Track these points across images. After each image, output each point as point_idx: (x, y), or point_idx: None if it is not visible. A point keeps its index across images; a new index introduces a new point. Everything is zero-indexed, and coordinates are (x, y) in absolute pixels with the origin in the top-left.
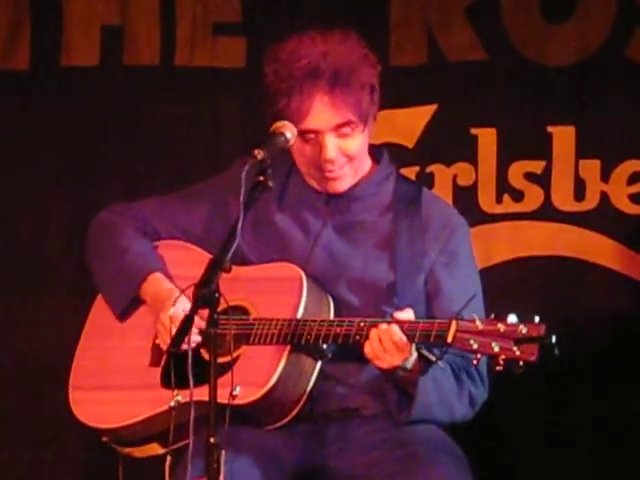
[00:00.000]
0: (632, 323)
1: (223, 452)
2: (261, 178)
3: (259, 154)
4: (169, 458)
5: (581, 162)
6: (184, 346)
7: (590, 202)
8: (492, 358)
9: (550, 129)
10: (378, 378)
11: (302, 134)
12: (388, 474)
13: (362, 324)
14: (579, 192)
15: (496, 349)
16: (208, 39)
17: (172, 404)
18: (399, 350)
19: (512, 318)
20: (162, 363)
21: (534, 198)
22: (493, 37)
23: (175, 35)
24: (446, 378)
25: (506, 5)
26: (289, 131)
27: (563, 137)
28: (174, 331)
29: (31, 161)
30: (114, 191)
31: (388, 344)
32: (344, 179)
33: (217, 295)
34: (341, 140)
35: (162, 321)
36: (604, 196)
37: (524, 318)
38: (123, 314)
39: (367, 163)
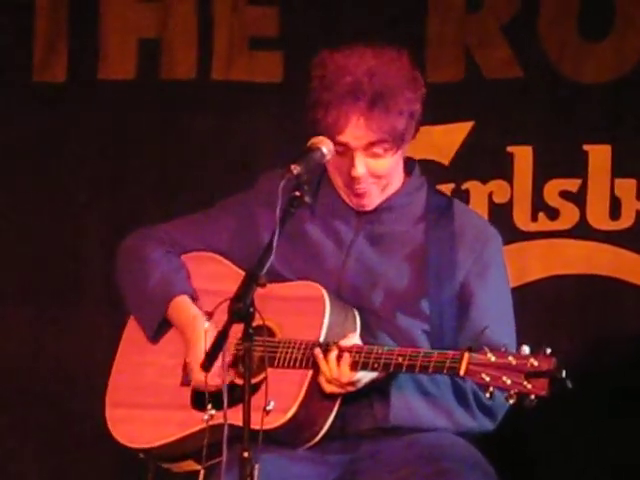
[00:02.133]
0: None
1: (257, 466)
2: (297, 193)
3: (295, 169)
4: (202, 472)
5: (617, 181)
6: (217, 364)
7: (626, 221)
8: (504, 391)
9: (586, 147)
10: (410, 395)
11: (335, 145)
12: None
13: (382, 353)
14: (614, 211)
15: (508, 382)
16: (245, 53)
17: (205, 417)
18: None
19: (525, 350)
20: (192, 384)
21: (569, 216)
22: (530, 54)
23: (212, 49)
24: (435, 386)
25: (543, 23)
26: (325, 146)
27: (599, 155)
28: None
29: (67, 174)
30: (149, 205)
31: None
32: (369, 197)
33: (252, 310)
34: (371, 159)
35: (189, 362)
36: (639, 215)
37: (536, 350)
38: (154, 336)
39: (399, 178)
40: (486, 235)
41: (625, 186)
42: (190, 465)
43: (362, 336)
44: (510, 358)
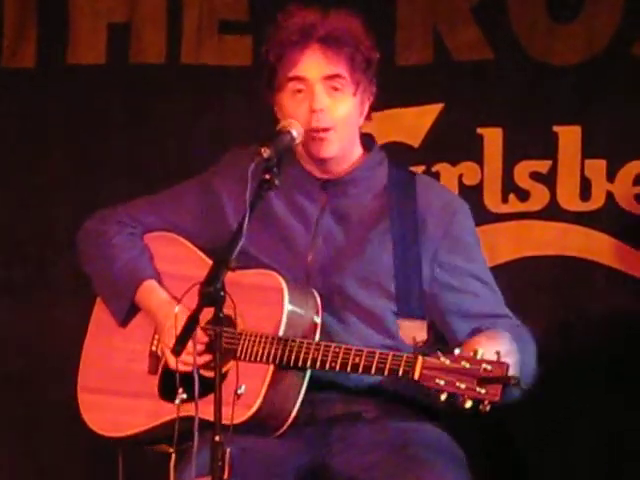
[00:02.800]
0: (636, 322)
1: (228, 450)
2: (267, 176)
3: (265, 152)
4: (173, 456)
5: (587, 162)
6: (189, 347)
7: (596, 202)
8: (458, 396)
9: (556, 129)
10: (379, 381)
11: (291, 81)
12: (388, 475)
13: (345, 350)
14: (585, 192)
15: (462, 387)
16: (214, 37)
17: (177, 402)
18: None
19: (479, 354)
20: (159, 372)
21: (540, 198)
22: (499, 36)
23: (181, 33)
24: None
25: (512, 4)
26: (295, 129)
27: (569, 137)
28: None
29: (36, 159)
30: (119, 189)
31: None
32: (330, 143)
33: (222, 294)
34: (331, 99)
35: (167, 343)
36: (610, 196)
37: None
38: (123, 321)
39: (357, 145)
40: (453, 206)
41: (595, 167)
42: (162, 447)
43: (327, 320)
44: (464, 362)
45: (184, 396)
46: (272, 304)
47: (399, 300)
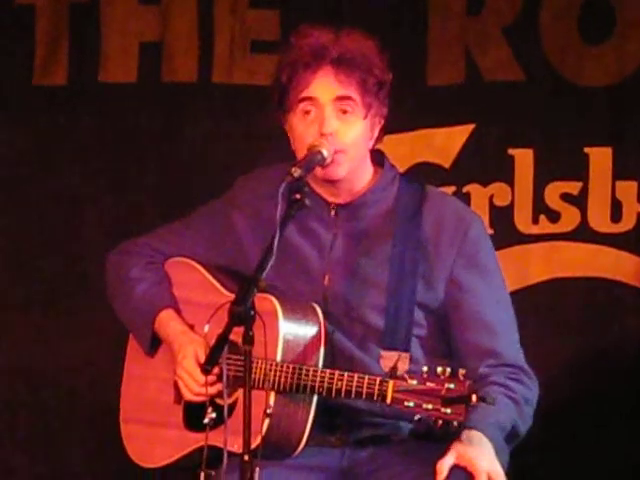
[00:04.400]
0: None
1: (257, 470)
2: (298, 196)
3: (296, 172)
4: (202, 475)
5: (618, 183)
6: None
7: (627, 223)
8: (428, 418)
9: (587, 150)
10: None
11: (301, 102)
12: None
13: (329, 375)
14: (615, 213)
15: (429, 408)
16: (246, 56)
17: (206, 420)
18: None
19: (439, 371)
20: (182, 401)
21: (570, 219)
22: (531, 57)
23: (213, 52)
24: (504, 410)
25: (544, 25)
26: (325, 149)
27: (600, 158)
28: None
29: (68, 177)
30: (149, 208)
31: None
32: (340, 165)
33: (252, 313)
34: (341, 122)
35: (180, 375)
36: None
37: (452, 371)
38: (150, 351)
39: (368, 166)
40: (467, 223)
41: (626, 188)
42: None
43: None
44: (428, 383)
45: (213, 415)
46: (269, 328)
47: (386, 330)
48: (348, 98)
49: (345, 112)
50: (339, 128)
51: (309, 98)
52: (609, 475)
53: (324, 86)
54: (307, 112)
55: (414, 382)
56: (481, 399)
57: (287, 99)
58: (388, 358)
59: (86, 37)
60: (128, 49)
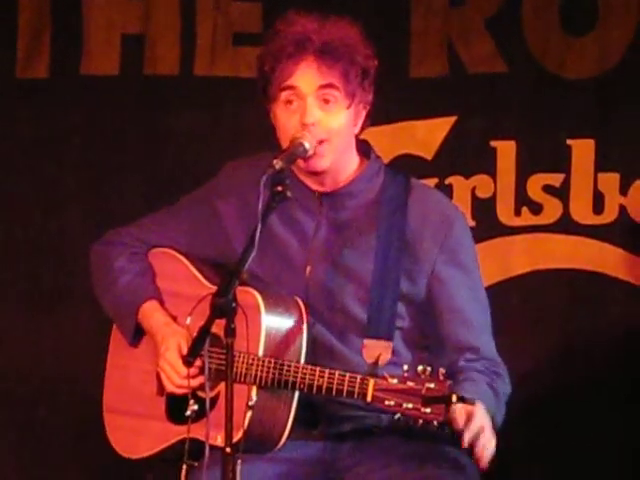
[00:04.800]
0: None
1: (239, 462)
2: (280, 188)
3: (277, 164)
4: (184, 467)
5: (600, 175)
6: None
7: (609, 215)
8: (408, 417)
9: (569, 142)
10: None
11: (283, 91)
12: None
13: (310, 371)
14: (598, 205)
15: (409, 407)
16: (228, 49)
17: (188, 413)
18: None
19: (420, 370)
20: (164, 393)
21: (553, 211)
22: (513, 49)
23: (195, 45)
24: (486, 399)
25: (526, 17)
26: (307, 141)
27: (582, 150)
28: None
29: (50, 170)
30: (132, 200)
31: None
32: (324, 156)
33: (234, 305)
34: (324, 112)
35: (162, 367)
36: (623, 209)
37: (432, 371)
38: (133, 342)
39: (353, 156)
40: (450, 219)
41: (608, 181)
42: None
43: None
44: (409, 382)
45: (195, 407)
46: (251, 322)
47: (369, 320)
48: (330, 86)
49: (328, 102)
50: (321, 118)
51: (291, 87)
52: (594, 463)
53: (306, 76)
54: (289, 102)
55: (394, 381)
56: (461, 399)
57: (270, 89)
58: (371, 347)
59: (68, 29)
60: (110, 41)
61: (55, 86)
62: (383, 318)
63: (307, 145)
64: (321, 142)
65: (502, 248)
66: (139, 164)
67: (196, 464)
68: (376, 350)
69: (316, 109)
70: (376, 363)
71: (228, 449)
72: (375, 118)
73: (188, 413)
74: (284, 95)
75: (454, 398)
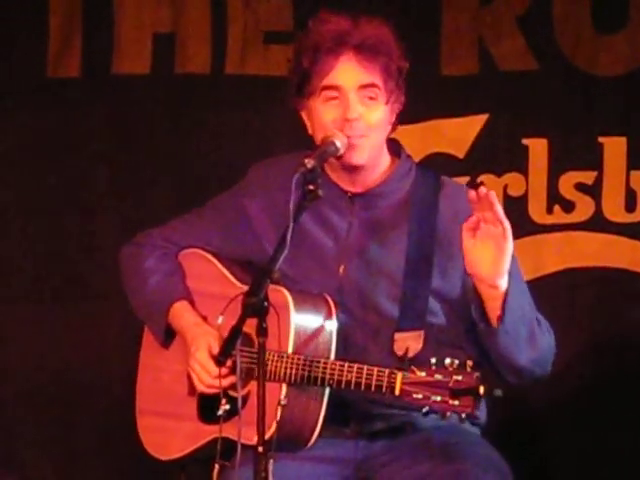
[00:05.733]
0: None
1: (271, 461)
2: (311, 187)
3: (309, 163)
4: (217, 467)
5: (632, 173)
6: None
7: None
8: (437, 412)
9: (601, 140)
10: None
11: (325, 90)
12: None
13: (339, 367)
14: (630, 203)
15: (437, 400)
16: (259, 48)
17: (220, 412)
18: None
19: (447, 362)
20: (196, 393)
21: (585, 209)
22: (544, 47)
23: (226, 43)
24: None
25: (557, 15)
26: (339, 140)
27: (614, 148)
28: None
29: (82, 170)
30: (163, 199)
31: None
32: (362, 150)
33: (266, 304)
34: (365, 107)
35: (192, 366)
36: None
37: (460, 363)
38: (165, 343)
39: (385, 154)
40: None
41: None
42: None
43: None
44: (437, 375)
45: (227, 407)
46: (281, 320)
47: (400, 314)
48: (372, 85)
49: (370, 98)
50: (363, 113)
51: (333, 86)
52: (625, 462)
53: (348, 73)
54: (331, 98)
55: (422, 374)
56: (489, 391)
57: (309, 84)
58: (401, 340)
59: (100, 29)
60: (141, 40)
61: (86, 85)
62: (414, 311)
63: (339, 144)
64: (361, 137)
65: (534, 246)
66: (170, 163)
67: (228, 463)
68: (406, 342)
69: (358, 105)
70: (405, 355)
71: (260, 448)
72: (406, 116)
73: (220, 413)
74: (325, 93)
75: (482, 390)
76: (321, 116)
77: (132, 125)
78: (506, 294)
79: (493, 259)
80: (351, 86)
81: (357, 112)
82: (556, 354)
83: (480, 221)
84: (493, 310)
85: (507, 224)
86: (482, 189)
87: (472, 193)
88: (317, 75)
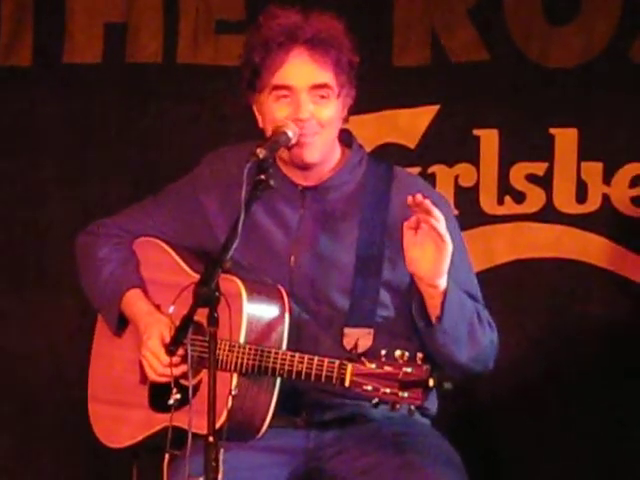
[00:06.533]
0: (632, 326)
1: (222, 450)
2: (263, 177)
3: (261, 153)
4: (167, 456)
5: (583, 164)
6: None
7: (592, 204)
8: (385, 402)
9: (552, 131)
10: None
11: (276, 89)
12: None
13: (290, 357)
14: (581, 194)
15: (387, 392)
16: (211, 37)
17: (171, 401)
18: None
19: (397, 355)
20: (148, 382)
21: (536, 200)
22: (496, 38)
23: (178, 33)
24: (469, 307)
25: (509, 6)
26: (291, 130)
27: (565, 139)
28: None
29: (32, 158)
30: (116, 189)
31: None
32: (314, 148)
33: (217, 294)
34: (316, 105)
35: (144, 355)
36: (606, 199)
37: (410, 355)
38: (118, 331)
39: (337, 146)
40: (435, 203)
41: (591, 170)
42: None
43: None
44: (386, 367)
45: (178, 396)
46: (233, 310)
47: (351, 308)
48: (324, 86)
49: (322, 97)
50: (314, 111)
51: (284, 86)
52: (571, 457)
53: (299, 70)
54: (282, 97)
55: (373, 366)
56: (438, 384)
57: (259, 80)
58: (351, 335)
59: (51, 18)
60: (93, 30)
61: (37, 74)
62: (364, 306)
63: (290, 134)
64: (313, 134)
65: (485, 237)
66: (122, 152)
67: (178, 453)
68: (356, 338)
69: (310, 104)
70: (355, 349)
71: (211, 438)
72: (358, 107)
73: (171, 402)
74: (277, 93)
75: (431, 382)
76: (272, 113)
77: (83, 114)
78: (445, 294)
79: (433, 259)
80: (303, 86)
81: (308, 112)
82: (505, 345)
83: (420, 221)
84: (433, 308)
85: (443, 230)
86: (418, 196)
87: (409, 198)
88: (268, 71)
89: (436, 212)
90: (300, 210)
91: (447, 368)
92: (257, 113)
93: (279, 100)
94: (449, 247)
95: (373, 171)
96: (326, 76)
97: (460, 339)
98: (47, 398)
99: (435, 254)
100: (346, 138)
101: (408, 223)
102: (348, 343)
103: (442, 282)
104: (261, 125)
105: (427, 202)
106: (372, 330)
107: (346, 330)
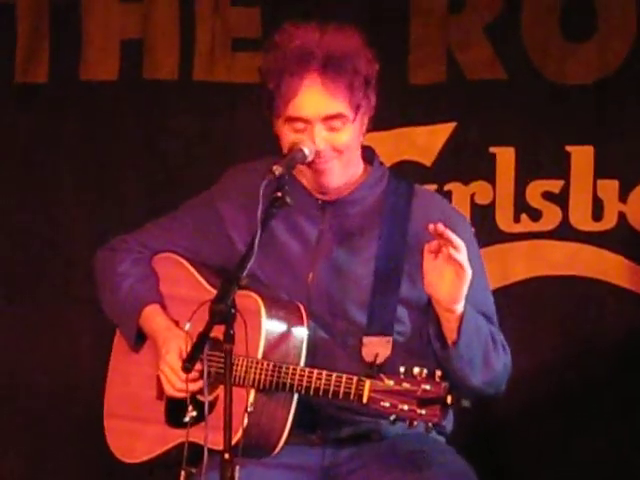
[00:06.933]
0: None
1: (237, 468)
2: (279, 194)
3: (277, 170)
4: (183, 473)
5: (599, 182)
6: (198, 365)
7: (608, 222)
8: (404, 420)
9: (569, 148)
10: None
11: (290, 121)
12: None
13: (308, 374)
14: (597, 212)
15: (405, 409)
16: (227, 54)
17: (187, 419)
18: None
19: (416, 372)
20: (164, 397)
21: (552, 217)
22: (512, 56)
23: (194, 50)
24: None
25: (526, 23)
26: (307, 147)
27: (582, 156)
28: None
29: (50, 175)
30: (132, 205)
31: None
32: (333, 174)
33: (233, 311)
34: (330, 133)
35: (162, 370)
36: (622, 216)
37: (428, 373)
38: (135, 347)
39: (359, 163)
40: (453, 223)
41: (607, 187)
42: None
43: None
44: (404, 384)
45: (194, 414)
46: (251, 327)
47: (369, 321)
48: (337, 116)
49: (335, 129)
50: (330, 138)
51: (298, 119)
52: (586, 475)
53: (312, 101)
54: (297, 128)
55: (391, 382)
56: (456, 401)
57: (275, 106)
58: (370, 345)
59: (67, 35)
60: (109, 46)
61: (54, 91)
62: (382, 318)
63: (307, 151)
64: (330, 161)
65: (501, 255)
66: (138, 169)
67: (194, 470)
68: (375, 348)
69: (324, 132)
70: (374, 362)
71: (227, 455)
72: (375, 124)
73: (187, 418)
74: (291, 124)
75: (449, 400)
76: (287, 138)
77: (100, 131)
78: (461, 319)
79: (451, 284)
80: (316, 117)
81: (323, 142)
82: (520, 362)
83: (442, 245)
84: (449, 331)
85: (463, 259)
86: (440, 225)
87: (430, 227)
88: (281, 100)
89: (457, 241)
90: (320, 225)
91: (460, 388)
92: (277, 134)
93: (295, 130)
94: (468, 274)
95: (393, 188)
96: (339, 106)
97: (475, 363)
98: (63, 413)
99: (454, 280)
100: (368, 155)
101: (429, 246)
102: (367, 354)
103: (459, 307)
104: (281, 144)
105: (448, 232)
106: (391, 339)
107: (365, 340)
